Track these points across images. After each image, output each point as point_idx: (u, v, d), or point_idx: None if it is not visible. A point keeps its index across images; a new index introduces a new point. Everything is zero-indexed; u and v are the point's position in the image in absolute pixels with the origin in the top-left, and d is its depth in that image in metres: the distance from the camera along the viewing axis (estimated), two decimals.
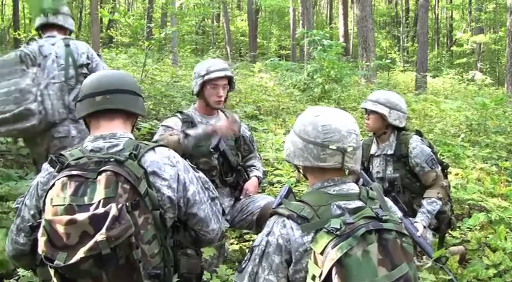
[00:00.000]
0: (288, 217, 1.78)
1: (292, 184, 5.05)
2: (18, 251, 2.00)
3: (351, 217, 1.71)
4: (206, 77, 3.23)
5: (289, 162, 2.01)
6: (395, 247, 1.70)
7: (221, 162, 3.32)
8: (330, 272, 1.60)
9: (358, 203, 1.82)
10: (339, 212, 1.77)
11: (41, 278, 1.91)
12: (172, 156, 2.03)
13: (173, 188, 1.95)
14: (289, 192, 2.08)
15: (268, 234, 1.81)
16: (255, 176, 3.48)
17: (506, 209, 4.37)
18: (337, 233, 1.64)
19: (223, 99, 3.31)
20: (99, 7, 16.51)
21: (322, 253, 1.63)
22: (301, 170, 2.01)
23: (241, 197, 3.38)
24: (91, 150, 1.94)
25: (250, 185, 3.41)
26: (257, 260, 1.81)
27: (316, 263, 1.66)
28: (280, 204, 1.93)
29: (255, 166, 3.57)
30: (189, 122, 3.29)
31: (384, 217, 1.74)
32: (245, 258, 1.87)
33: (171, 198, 1.94)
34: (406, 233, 1.78)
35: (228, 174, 3.37)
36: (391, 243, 1.69)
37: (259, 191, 4.66)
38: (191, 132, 3.00)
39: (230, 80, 3.36)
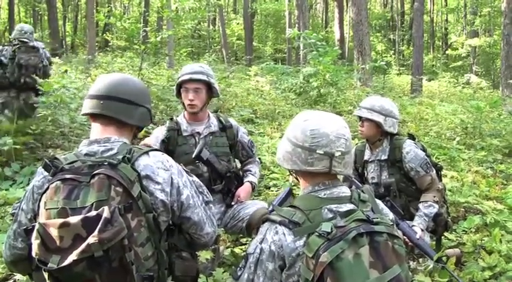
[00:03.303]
0: (280, 223, 1.78)
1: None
2: (16, 256, 2.00)
3: (342, 220, 1.72)
4: (178, 80, 3.28)
5: (280, 165, 2.02)
6: (387, 249, 1.71)
7: (209, 170, 3.31)
8: (321, 275, 1.61)
9: (350, 206, 1.82)
10: (330, 215, 1.77)
11: (37, 281, 1.91)
12: (165, 160, 2.03)
13: (166, 191, 1.95)
14: (289, 195, 2.09)
15: (261, 242, 1.81)
16: (248, 181, 3.45)
17: (501, 212, 4.40)
18: (328, 236, 1.65)
19: (195, 103, 3.26)
20: (95, 11, 16.54)
21: (313, 257, 1.64)
22: (293, 173, 2.02)
23: (233, 203, 3.36)
24: (85, 154, 1.94)
25: (243, 190, 3.39)
26: (252, 268, 1.81)
27: (308, 267, 1.66)
28: (277, 205, 1.94)
29: (250, 171, 3.53)
30: (176, 130, 3.32)
31: (375, 220, 1.74)
32: (240, 266, 1.87)
33: (164, 202, 1.94)
34: (397, 234, 1.79)
35: (216, 182, 3.34)
36: (382, 246, 1.70)
37: (256, 194, 4.66)
38: None
39: (210, 86, 3.31)
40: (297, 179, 2.01)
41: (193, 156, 3.16)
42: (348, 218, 1.73)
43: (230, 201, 3.38)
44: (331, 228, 1.66)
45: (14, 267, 2.09)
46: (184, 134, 3.31)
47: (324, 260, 1.61)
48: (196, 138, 3.34)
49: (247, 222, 3.18)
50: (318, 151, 1.82)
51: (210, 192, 3.27)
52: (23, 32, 6.12)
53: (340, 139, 1.85)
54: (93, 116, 2.06)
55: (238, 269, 1.86)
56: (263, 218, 1.90)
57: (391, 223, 1.83)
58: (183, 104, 3.34)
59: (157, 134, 3.33)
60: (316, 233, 1.67)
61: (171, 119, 3.42)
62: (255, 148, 3.63)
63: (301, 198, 1.90)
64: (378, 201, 2.01)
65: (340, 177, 1.98)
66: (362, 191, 1.93)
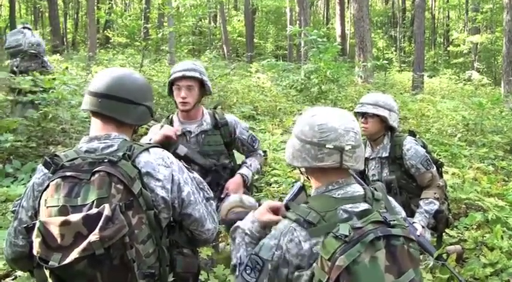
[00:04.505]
0: (295, 221, 1.74)
1: (289, 184, 5.06)
2: (17, 253, 1.99)
3: (359, 221, 1.68)
4: (170, 78, 3.22)
5: (290, 165, 1.98)
6: (403, 253, 1.68)
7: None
8: (337, 279, 1.57)
9: (364, 206, 1.78)
10: (345, 216, 1.73)
11: (38, 279, 1.91)
12: (166, 157, 2.02)
13: (167, 188, 1.95)
14: (301, 191, 2.04)
15: (276, 248, 1.75)
16: (239, 173, 3.36)
17: (502, 209, 4.39)
18: (346, 239, 1.61)
19: (188, 101, 3.18)
20: (95, 8, 16.52)
21: (329, 259, 1.60)
22: (303, 172, 1.97)
23: (222, 196, 3.26)
24: (85, 151, 1.94)
25: (232, 182, 3.30)
26: (271, 274, 1.75)
27: (323, 268, 1.62)
28: (290, 200, 1.92)
29: (245, 163, 3.45)
30: None
31: (392, 222, 1.70)
32: (249, 266, 1.78)
33: (165, 199, 1.94)
34: (413, 238, 1.75)
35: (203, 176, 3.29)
36: (399, 250, 1.67)
37: (256, 191, 4.64)
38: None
39: (203, 83, 3.23)
40: (308, 178, 1.96)
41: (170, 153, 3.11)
42: (364, 219, 1.70)
43: (219, 195, 3.29)
44: (349, 231, 1.63)
45: (15, 264, 2.09)
46: (177, 132, 3.24)
47: (340, 263, 1.57)
48: (187, 136, 3.27)
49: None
50: (327, 146, 1.78)
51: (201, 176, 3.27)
52: (30, 44, 7.12)
53: (349, 132, 1.81)
54: (93, 112, 2.05)
55: (249, 270, 1.78)
56: (281, 214, 1.87)
57: (407, 225, 1.80)
58: (175, 102, 3.27)
59: (155, 131, 3.27)
60: (333, 234, 1.64)
61: (168, 117, 3.39)
62: (257, 142, 3.53)
63: (315, 199, 1.85)
64: (391, 199, 1.98)
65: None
66: (375, 189, 1.89)
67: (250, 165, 3.45)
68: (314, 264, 1.67)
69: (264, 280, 1.76)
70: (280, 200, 3.50)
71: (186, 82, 3.17)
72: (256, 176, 3.79)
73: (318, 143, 1.80)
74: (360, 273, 1.57)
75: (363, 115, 3.47)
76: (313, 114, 1.88)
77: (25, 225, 1.89)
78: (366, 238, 1.62)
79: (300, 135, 1.86)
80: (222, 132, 3.35)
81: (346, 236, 1.61)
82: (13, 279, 3.10)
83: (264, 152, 3.64)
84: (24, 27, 7.69)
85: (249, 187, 3.49)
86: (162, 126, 3.25)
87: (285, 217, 1.82)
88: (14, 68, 6.96)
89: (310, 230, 1.71)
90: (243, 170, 3.39)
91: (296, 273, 1.72)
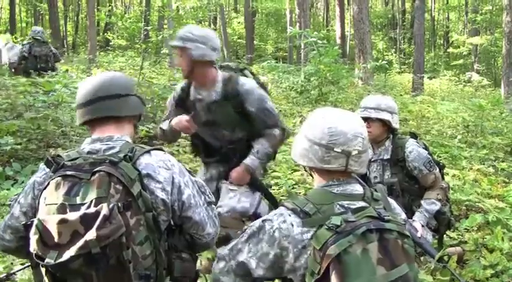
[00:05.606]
0: (292, 210, 1.79)
1: (290, 186, 5.06)
2: (5, 247, 2.03)
3: (353, 216, 1.72)
4: None
5: (295, 162, 2.03)
6: (396, 247, 1.71)
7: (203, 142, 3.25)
8: (328, 268, 1.61)
9: (362, 204, 1.81)
10: (341, 210, 1.77)
11: (36, 279, 1.92)
12: (167, 160, 2.03)
13: (167, 191, 1.95)
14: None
15: (265, 221, 1.84)
16: (244, 163, 3.14)
17: (503, 210, 4.39)
18: (337, 230, 1.65)
19: (184, 68, 3.09)
20: (96, 10, 16.53)
21: (321, 249, 1.64)
22: (307, 169, 2.02)
23: (225, 182, 3.19)
24: (88, 152, 1.95)
25: (235, 171, 3.15)
26: (244, 238, 1.86)
27: (315, 259, 1.66)
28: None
29: (253, 149, 3.16)
30: (186, 92, 3.27)
31: (386, 217, 1.74)
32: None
33: (165, 201, 1.94)
34: (407, 234, 1.78)
35: (211, 155, 3.27)
36: (391, 243, 1.70)
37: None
38: (164, 126, 3.25)
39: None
40: (311, 175, 2.01)
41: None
42: (358, 213, 1.74)
43: (225, 178, 3.22)
44: (341, 222, 1.67)
45: (8, 253, 2.12)
46: (191, 98, 3.22)
47: (331, 252, 1.61)
48: (197, 104, 3.20)
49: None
50: (335, 149, 1.83)
51: (209, 155, 3.28)
52: (36, 31, 8.62)
53: (357, 138, 1.85)
54: (89, 123, 2.07)
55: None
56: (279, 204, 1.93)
57: (403, 223, 1.83)
58: None
59: (177, 89, 3.34)
60: (326, 226, 1.68)
61: (183, 89, 3.33)
62: (273, 117, 3.18)
63: (314, 192, 1.91)
64: (391, 201, 2.01)
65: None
66: (375, 190, 1.93)
67: (257, 152, 3.16)
68: (305, 256, 1.72)
69: (234, 242, 1.90)
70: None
71: (176, 50, 3.13)
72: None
73: (327, 146, 1.84)
74: (350, 263, 1.61)
75: (366, 119, 3.45)
76: (323, 115, 1.93)
77: (15, 221, 1.94)
78: (358, 230, 1.66)
79: (309, 136, 1.90)
80: (232, 103, 3.12)
81: (337, 226, 1.66)
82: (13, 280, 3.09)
83: (283, 129, 3.26)
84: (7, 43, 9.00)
85: (256, 177, 3.25)
86: (181, 87, 3.32)
87: (281, 205, 1.88)
88: (25, 54, 8.32)
89: (304, 221, 1.75)
90: (248, 160, 3.14)
91: (291, 266, 1.77)
